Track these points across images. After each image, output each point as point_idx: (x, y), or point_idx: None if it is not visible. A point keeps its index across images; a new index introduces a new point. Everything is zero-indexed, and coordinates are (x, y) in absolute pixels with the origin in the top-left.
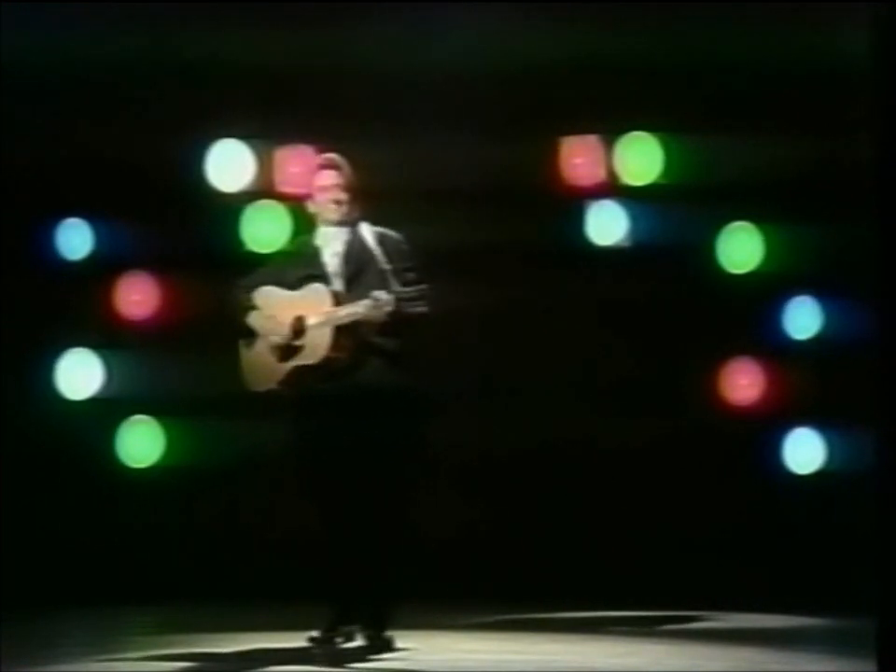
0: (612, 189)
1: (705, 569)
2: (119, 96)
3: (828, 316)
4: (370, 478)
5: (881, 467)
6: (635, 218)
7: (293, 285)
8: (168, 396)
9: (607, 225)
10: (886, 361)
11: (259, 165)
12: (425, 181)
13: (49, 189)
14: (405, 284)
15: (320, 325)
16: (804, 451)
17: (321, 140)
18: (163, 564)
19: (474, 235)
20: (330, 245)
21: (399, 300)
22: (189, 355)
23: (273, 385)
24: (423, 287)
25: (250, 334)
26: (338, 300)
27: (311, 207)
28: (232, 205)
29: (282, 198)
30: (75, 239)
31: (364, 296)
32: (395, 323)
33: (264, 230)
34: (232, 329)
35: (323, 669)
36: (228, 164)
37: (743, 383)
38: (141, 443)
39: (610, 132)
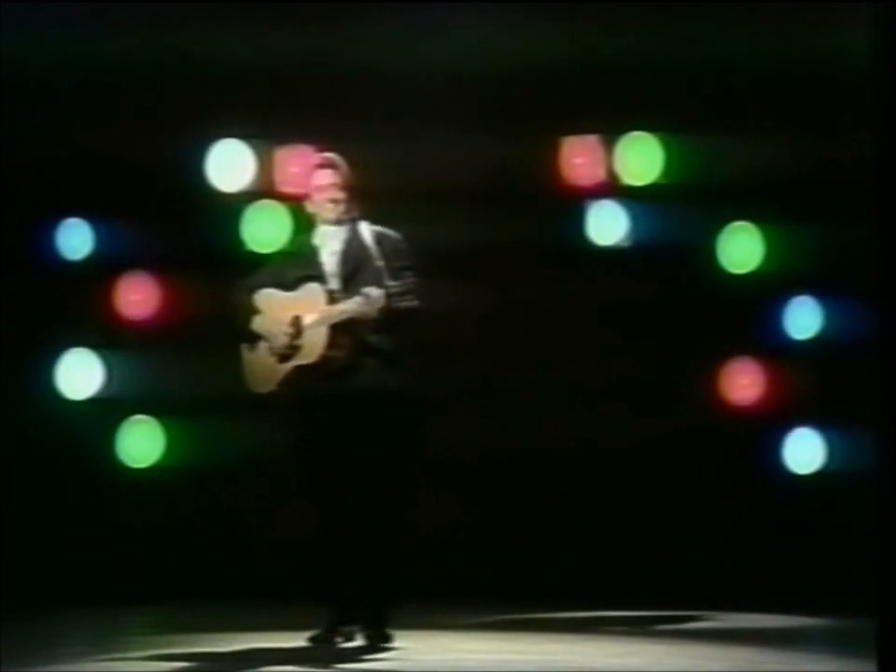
0: (612, 188)
1: (704, 569)
2: (119, 96)
3: (828, 316)
4: (368, 478)
5: (881, 467)
6: (635, 218)
7: (291, 285)
8: (168, 396)
9: (607, 225)
10: (886, 361)
11: (258, 165)
12: (425, 181)
13: (49, 188)
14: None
15: (316, 324)
16: (804, 451)
17: (321, 140)
18: (163, 564)
19: (474, 235)
20: (329, 244)
21: (389, 295)
22: (189, 355)
23: (273, 387)
24: (413, 280)
25: (251, 336)
26: (333, 298)
27: (309, 207)
28: (232, 205)
29: (282, 198)
30: (75, 239)
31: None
32: (389, 320)
33: (264, 230)
34: (232, 329)
35: (323, 669)
36: (228, 164)
37: (743, 383)
38: (141, 443)
39: (610, 132)
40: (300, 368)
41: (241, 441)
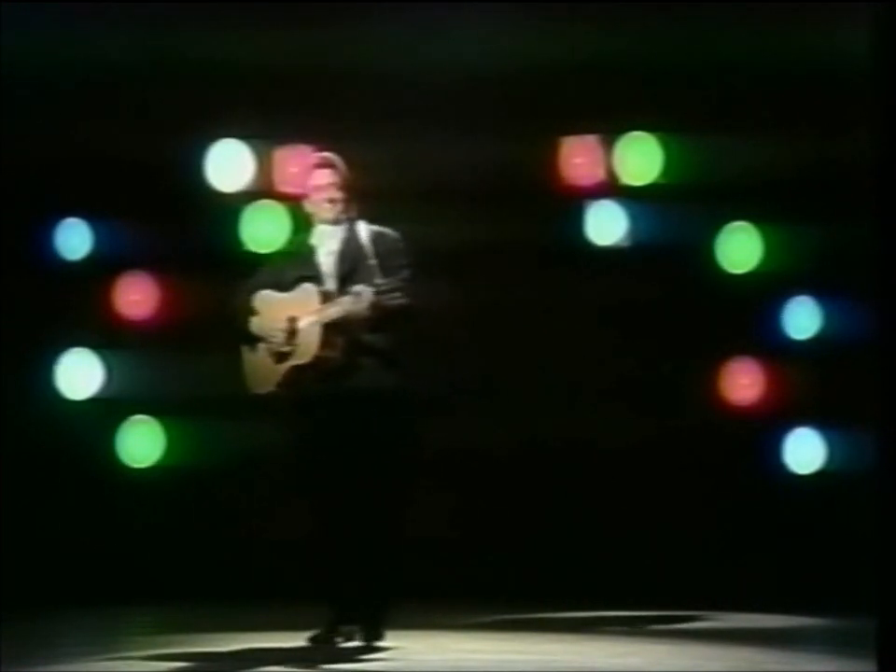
0: (612, 188)
1: (705, 569)
2: (119, 96)
3: (828, 316)
4: (366, 478)
5: (881, 467)
6: (634, 218)
7: (289, 285)
8: (168, 396)
9: (606, 225)
10: (886, 361)
11: (258, 165)
12: (425, 181)
13: (48, 188)
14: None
15: (309, 324)
16: (804, 451)
17: (321, 140)
18: (163, 564)
19: (474, 235)
20: (326, 244)
21: (378, 293)
22: (189, 355)
23: (272, 388)
24: (403, 278)
25: (251, 338)
26: (326, 298)
27: (307, 207)
28: (232, 205)
29: (281, 198)
30: (74, 239)
31: None
32: (382, 318)
33: (264, 230)
34: (232, 329)
35: (323, 669)
36: (228, 164)
37: (743, 383)
38: (141, 443)
39: (610, 132)
40: (296, 368)
41: (241, 441)
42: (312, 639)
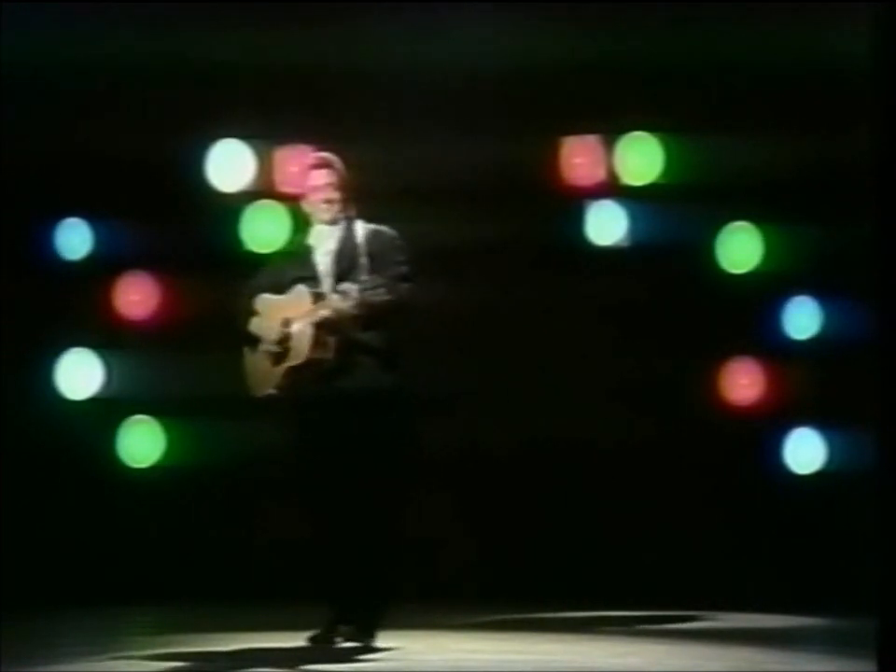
0: (612, 188)
1: (705, 569)
2: (119, 96)
3: (828, 316)
4: (365, 478)
5: (881, 467)
6: (634, 218)
7: (288, 286)
8: (168, 396)
9: (606, 225)
10: (886, 361)
11: (259, 165)
12: (425, 180)
13: (49, 188)
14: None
15: (301, 325)
16: (804, 451)
17: (321, 140)
18: (163, 564)
19: (474, 235)
20: (324, 244)
21: (362, 289)
22: (189, 355)
23: (271, 389)
24: (391, 273)
25: (252, 340)
26: (317, 299)
27: (305, 207)
28: (232, 205)
29: (282, 198)
30: (74, 239)
31: None
32: (373, 316)
33: (264, 230)
34: (232, 329)
35: (322, 669)
36: (228, 164)
37: (743, 383)
38: (141, 443)
39: (610, 132)
40: (292, 369)
41: (241, 441)
42: (312, 639)
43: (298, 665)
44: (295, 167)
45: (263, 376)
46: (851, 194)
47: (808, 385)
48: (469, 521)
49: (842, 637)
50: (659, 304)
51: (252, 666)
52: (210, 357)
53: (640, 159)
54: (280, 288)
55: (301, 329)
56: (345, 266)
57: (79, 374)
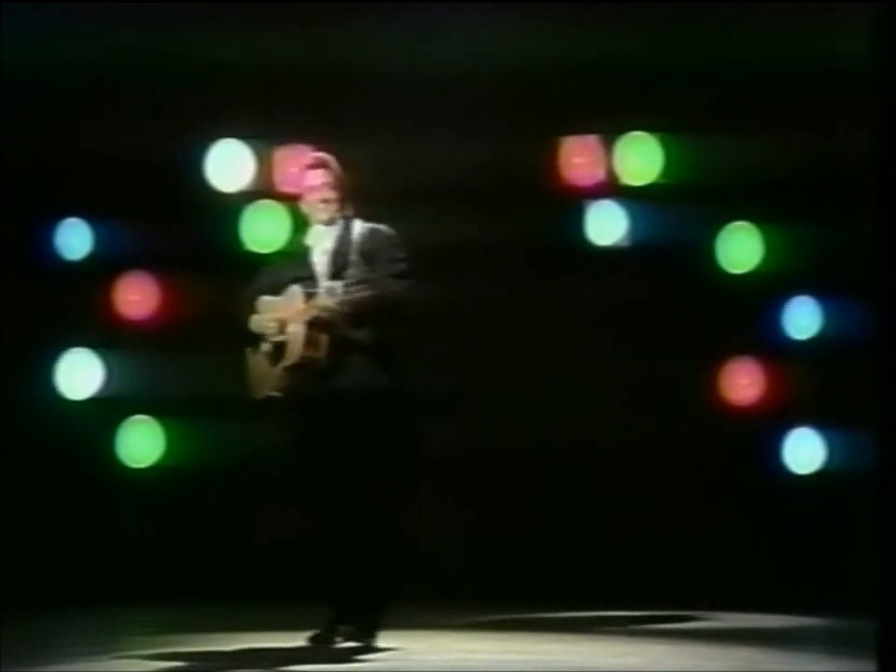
0: (612, 188)
1: (704, 569)
2: (119, 96)
3: (828, 316)
4: (364, 478)
5: (881, 467)
6: (634, 218)
7: (285, 286)
8: (168, 396)
9: (606, 225)
10: (886, 361)
11: (259, 165)
12: (424, 180)
13: (48, 188)
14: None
15: (294, 325)
16: (804, 451)
17: (321, 140)
18: (163, 564)
19: (473, 235)
20: (321, 244)
21: (347, 286)
22: (189, 355)
23: (270, 390)
24: (385, 271)
25: (254, 342)
26: (309, 298)
27: (302, 207)
28: (232, 205)
29: (281, 198)
30: (74, 239)
31: None
32: (361, 313)
33: (264, 230)
34: (232, 329)
35: (322, 669)
36: (228, 164)
37: (743, 383)
38: (141, 443)
39: (610, 132)
40: (288, 369)
41: (241, 442)
42: (312, 639)
43: (298, 665)
44: (295, 167)
45: (263, 378)
46: (851, 194)
47: (808, 385)
48: (470, 521)
49: (842, 637)
50: (659, 304)
51: (252, 666)
52: (210, 357)
53: (640, 159)
54: (279, 289)
55: (295, 329)
56: (340, 265)
57: (79, 374)
